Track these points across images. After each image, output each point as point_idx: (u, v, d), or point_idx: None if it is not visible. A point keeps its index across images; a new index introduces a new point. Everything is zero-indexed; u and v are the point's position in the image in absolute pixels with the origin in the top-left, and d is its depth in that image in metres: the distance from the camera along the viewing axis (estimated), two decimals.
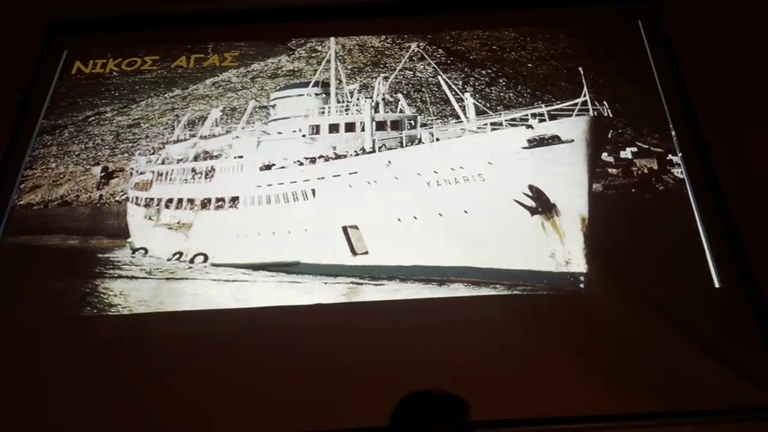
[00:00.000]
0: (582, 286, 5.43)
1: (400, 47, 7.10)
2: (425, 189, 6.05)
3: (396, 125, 6.86)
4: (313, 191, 6.53)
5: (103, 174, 6.70)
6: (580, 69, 5.99)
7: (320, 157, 6.67)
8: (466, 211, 5.91)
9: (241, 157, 7.07)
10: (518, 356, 4.88)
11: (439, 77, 6.71)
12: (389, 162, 6.25)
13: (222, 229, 6.80)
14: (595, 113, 5.66)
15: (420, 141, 6.47)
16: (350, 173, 6.41)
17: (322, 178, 6.52)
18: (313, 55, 7.23)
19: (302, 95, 7.07)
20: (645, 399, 4.65)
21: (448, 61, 6.98)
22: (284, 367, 4.93)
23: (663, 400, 4.68)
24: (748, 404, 4.67)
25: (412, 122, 6.88)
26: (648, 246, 5.54)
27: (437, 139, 6.32)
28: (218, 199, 6.98)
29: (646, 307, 5.15)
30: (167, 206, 7.34)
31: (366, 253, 6.22)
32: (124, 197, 6.72)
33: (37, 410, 4.83)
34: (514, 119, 5.93)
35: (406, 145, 6.53)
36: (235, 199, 6.89)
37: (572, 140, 5.59)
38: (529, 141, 5.66)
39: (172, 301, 5.71)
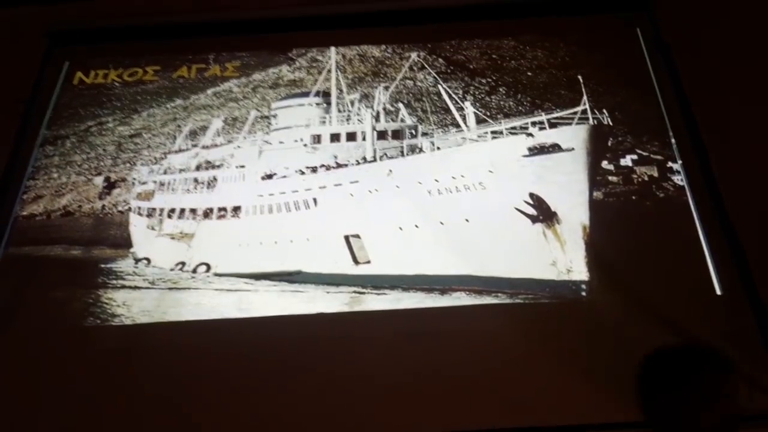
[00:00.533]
0: (584, 294, 5.45)
1: (400, 57, 7.12)
2: (426, 198, 6.07)
3: (397, 134, 6.89)
4: (315, 200, 6.56)
5: (105, 184, 6.72)
6: (580, 77, 6.04)
7: (322, 166, 6.69)
8: (467, 220, 5.94)
9: (242, 166, 7.09)
10: (521, 365, 4.89)
11: (439, 86, 6.74)
12: (390, 171, 6.28)
13: (224, 239, 6.82)
14: (595, 121, 5.69)
15: (421, 150, 6.50)
16: (351, 182, 6.43)
17: (324, 187, 6.54)
18: (313, 64, 7.26)
19: (303, 105, 7.10)
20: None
21: (449, 71, 7.01)
22: (287, 377, 4.94)
23: None
24: (751, 412, 4.66)
25: (413, 131, 6.91)
26: (649, 253, 5.54)
27: (438, 148, 6.34)
28: (220, 209, 7.00)
29: (647, 314, 5.15)
30: (170, 216, 7.37)
31: (368, 262, 6.23)
32: (126, 207, 6.74)
33: (39, 421, 4.85)
34: (514, 128, 5.96)
35: (407, 154, 6.56)
36: (237, 209, 6.92)
37: (572, 148, 5.62)
38: (529, 149, 5.69)
39: (175, 311, 5.72)
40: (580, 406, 4.67)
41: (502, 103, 6.87)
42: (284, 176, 6.78)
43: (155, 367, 5.08)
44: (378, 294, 5.90)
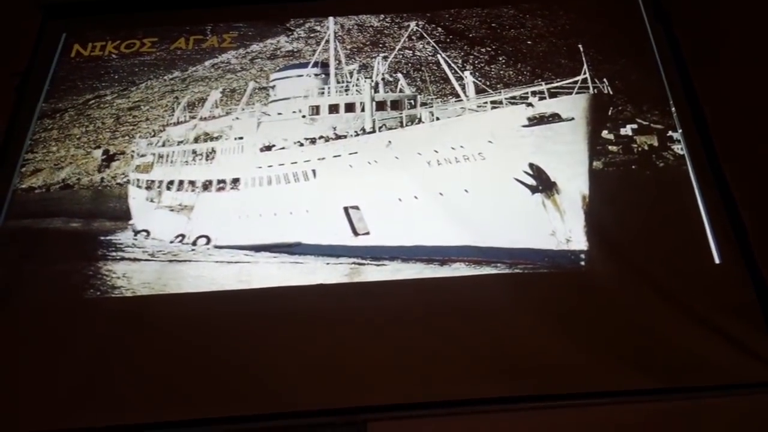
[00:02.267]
0: (583, 263, 5.45)
1: (399, 26, 7.07)
2: (426, 168, 6.05)
3: (396, 105, 6.85)
4: (314, 172, 6.54)
5: (104, 157, 6.71)
6: (580, 46, 5.98)
7: (320, 137, 6.67)
8: (466, 190, 5.92)
9: (241, 138, 7.07)
10: (520, 334, 4.92)
11: (438, 56, 6.69)
12: (389, 142, 6.25)
13: (224, 211, 6.82)
14: (595, 90, 5.65)
15: (420, 120, 6.46)
16: (350, 153, 6.41)
17: (323, 158, 6.52)
18: (311, 35, 7.20)
19: (302, 76, 7.06)
20: (646, 375, 4.69)
21: (448, 40, 6.96)
22: (287, 347, 4.97)
23: (663, 377, 4.71)
24: (749, 380, 4.70)
25: (412, 102, 6.87)
26: (648, 223, 5.56)
27: (437, 119, 6.31)
28: (219, 181, 6.99)
29: (646, 284, 5.16)
30: (168, 188, 7.36)
31: (367, 233, 6.23)
32: (125, 180, 6.74)
33: (41, 390, 4.87)
34: (514, 97, 5.92)
35: (407, 125, 6.52)
36: (236, 181, 6.91)
37: (572, 118, 5.58)
38: (529, 119, 5.66)
39: (176, 283, 5.73)
40: (579, 375, 4.70)
41: (501, 72, 6.83)
42: (283, 148, 6.76)
43: (156, 339, 5.09)
44: (377, 265, 5.91)
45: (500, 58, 6.88)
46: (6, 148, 6.24)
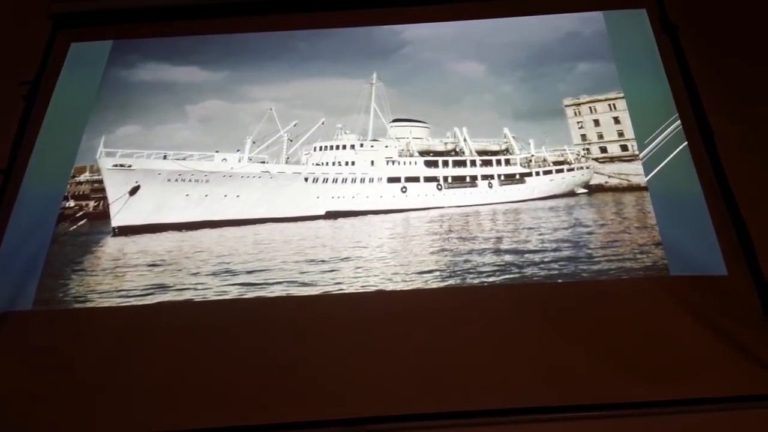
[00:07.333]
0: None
1: None
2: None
3: None
4: None
5: None
6: None
7: None
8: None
9: None
10: (527, 344, 4.90)
11: None
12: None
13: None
14: None
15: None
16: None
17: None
18: None
19: None
20: (649, 387, 4.64)
21: None
22: (288, 355, 4.97)
23: (668, 389, 4.67)
24: (756, 392, 4.65)
25: None
26: None
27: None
28: None
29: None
30: None
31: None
32: None
33: (49, 399, 4.87)
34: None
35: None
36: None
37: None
38: None
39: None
40: (583, 386, 4.68)
41: None
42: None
43: (160, 347, 5.10)
44: None
45: None
46: (13, 159, 6.21)
